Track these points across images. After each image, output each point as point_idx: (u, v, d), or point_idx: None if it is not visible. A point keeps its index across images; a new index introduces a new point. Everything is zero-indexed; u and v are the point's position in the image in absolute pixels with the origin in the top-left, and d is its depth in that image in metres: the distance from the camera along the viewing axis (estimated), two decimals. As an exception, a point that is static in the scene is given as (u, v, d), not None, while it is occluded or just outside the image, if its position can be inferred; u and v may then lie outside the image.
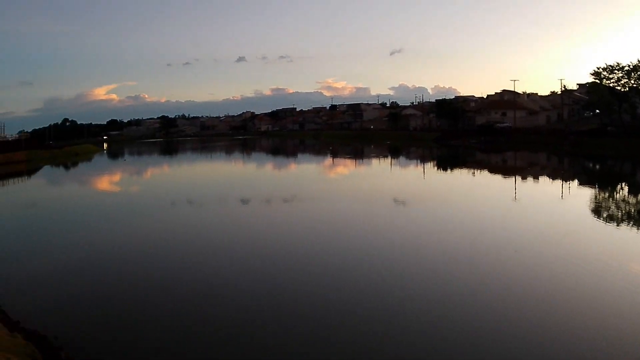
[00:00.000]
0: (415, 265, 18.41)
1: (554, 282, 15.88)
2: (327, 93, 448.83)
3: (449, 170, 59.08)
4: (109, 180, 59.65)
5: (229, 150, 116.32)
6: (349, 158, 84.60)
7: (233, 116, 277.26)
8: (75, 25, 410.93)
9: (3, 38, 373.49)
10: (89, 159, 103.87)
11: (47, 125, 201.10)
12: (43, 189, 53.63)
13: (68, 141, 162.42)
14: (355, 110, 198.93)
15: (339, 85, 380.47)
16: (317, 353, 11.67)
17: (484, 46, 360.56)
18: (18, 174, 73.19)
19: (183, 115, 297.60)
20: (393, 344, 11.82)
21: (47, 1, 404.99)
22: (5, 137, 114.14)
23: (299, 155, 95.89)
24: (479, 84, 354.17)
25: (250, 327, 13.13)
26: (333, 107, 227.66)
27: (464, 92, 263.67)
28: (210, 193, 41.45)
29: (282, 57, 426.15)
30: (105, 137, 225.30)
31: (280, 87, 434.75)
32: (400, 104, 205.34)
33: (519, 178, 45.59)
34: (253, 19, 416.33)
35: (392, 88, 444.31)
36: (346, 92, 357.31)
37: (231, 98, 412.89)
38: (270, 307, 14.34)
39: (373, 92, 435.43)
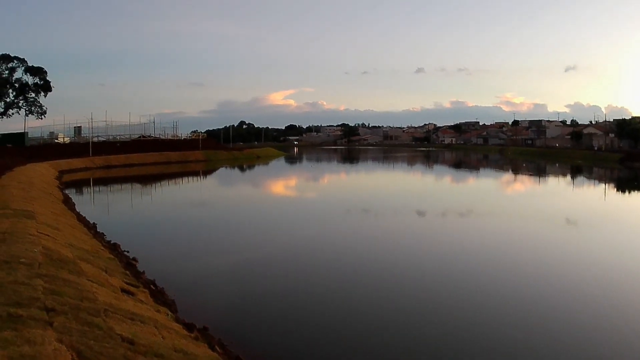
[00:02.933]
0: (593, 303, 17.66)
1: None
2: (505, 108, 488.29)
3: (634, 193, 59.27)
4: (295, 185, 68.32)
5: (410, 161, 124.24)
6: (531, 175, 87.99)
7: (415, 127, 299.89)
8: (252, 30, 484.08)
9: (177, 39, 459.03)
10: (267, 163, 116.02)
11: (223, 127, 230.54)
12: (227, 190, 62.99)
13: (246, 143, 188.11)
14: (538, 126, 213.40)
15: (517, 100, 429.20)
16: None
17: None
18: (194, 173, 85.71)
19: (363, 124, 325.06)
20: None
21: (225, 4, 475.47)
22: (178, 136, 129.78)
23: (481, 170, 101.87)
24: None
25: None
26: (515, 122, 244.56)
27: (638, 112, 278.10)
28: (387, 203, 44.80)
29: (460, 69, 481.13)
30: (296, 142, 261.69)
31: (460, 100, 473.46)
32: (579, 122, 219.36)
33: None
34: (431, 30, 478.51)
35: (568, 105, 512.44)
36: (524, 108, 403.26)
37: (411, 109, 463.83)
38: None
39: (550, 109, 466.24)
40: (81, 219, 32.15)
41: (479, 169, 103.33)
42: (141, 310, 12.91)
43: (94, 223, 31.91)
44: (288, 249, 26.66)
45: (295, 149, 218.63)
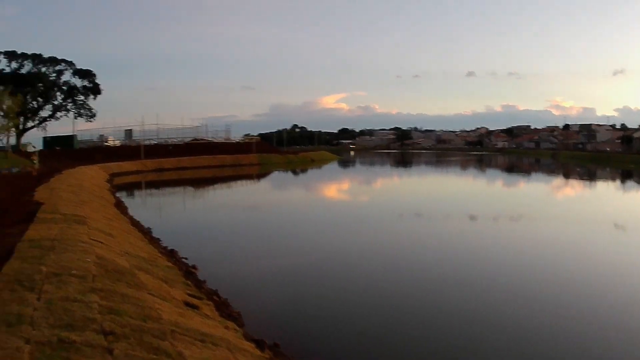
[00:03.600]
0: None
1: None
2: (555, 112, 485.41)
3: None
4: (350, 189, 69.44)
5: (463, 165, 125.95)
6: (583, 179, 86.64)
7: (468, 131, 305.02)
8: (302, 33, 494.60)
9: (228, 43, 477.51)
10: (321, 167, 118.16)
11: (275, 130, 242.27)
12: (282, 194, 63.91)
13: (299, 147, 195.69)
14: (588, 131, 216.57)
15: (567, 104, 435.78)
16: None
17: None
18: (248, 177, 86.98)
19: (415, 128, 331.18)
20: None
21: (276, 9, 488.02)
22: (230, 139, 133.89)
23: (533, 174, 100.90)
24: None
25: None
26: (566, 126, 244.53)
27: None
28: (440, 207, 45.26)
29: (510, 73, 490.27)
30: (352, 146, 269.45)
31: (511, 104, 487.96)
32: (628, 126, 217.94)
33: None
34: (482, 34, 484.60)
35: (617, 109, 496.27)
36: (574, 112, 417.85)
37: (462, 113, 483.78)
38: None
39: (598, 113, 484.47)
40: (135, 223, 31.11)
41: (531, 173, 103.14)
42: (210, 328, 11.60)
43: (148, 228, 30.93)
44: (346, 253, 26.34)
45: (352, 153, 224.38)
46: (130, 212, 37.36)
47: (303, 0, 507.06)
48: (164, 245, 25.89)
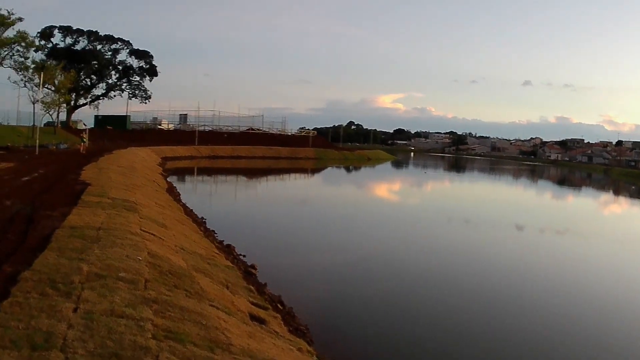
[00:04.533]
0: None
1: None
2: (608, 127, 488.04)
3: None
4: (406, 191, 69.96)
5: (515, 175, 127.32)
6: (634, 198, 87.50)
7: (523, 141, 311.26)
8: (362, 30, 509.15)
9: (290, 35, 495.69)
10: (374, 166, 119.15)
11: (331, 126, 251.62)
12: (337, 190, 63.78)
13: (354, 144, 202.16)
14: None
15: (620, 120, 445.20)
16: None
17: None
18: (302, 170, 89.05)
19: (470, 134, 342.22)
20: None
21: (336, 4, 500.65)
22: (286, 131, 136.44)
23: (583, 189, 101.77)
24: None
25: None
26: (619, 142, 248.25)
27: None
28: (488, 215, 46.38)
29: (566, 85, 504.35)
30: (412, 148, 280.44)
31: (565, 116, 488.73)
32: None
33: None
34: (539, 44, 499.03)
35: None
36: (626, 129, 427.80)
37: (517, 121, 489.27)
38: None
39: None
40: (188, 212, 29.31)
41: (582, 188, 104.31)
42: (283, 353, 9.84)
43: (202, 218, 29.17)
44: (404, 258, 26.39)
45: (412, 154, 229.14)
46: (183, 199, 35.91)
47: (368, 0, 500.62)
48: (219, 239, 24.32)
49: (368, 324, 16.31)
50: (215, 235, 25.09)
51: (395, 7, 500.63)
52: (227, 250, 21.77)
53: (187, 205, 32.58)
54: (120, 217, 15.84)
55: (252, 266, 19.72)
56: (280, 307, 15.44)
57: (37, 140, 52.45)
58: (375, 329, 15.95)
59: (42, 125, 79.29)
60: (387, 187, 72.81)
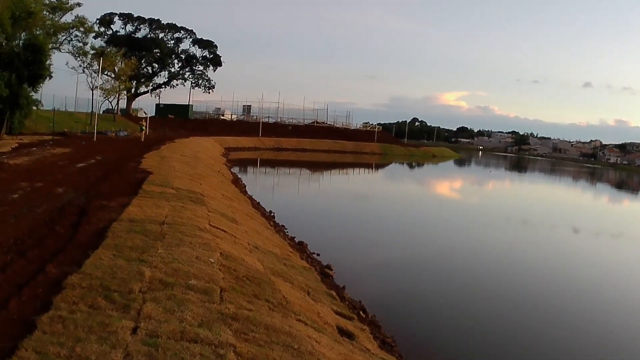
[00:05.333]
0: None
1: None
2: None
3: None
4: (469, 189, 69.13)
5: (575, 176, 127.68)
6: None
7: (584, 142, 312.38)
8: (427, 27, 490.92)
9: (352, 30, 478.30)
10: (437, 164, 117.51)
11: (395, 122, 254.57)
12: (404, 187, 62.38)
13: (418, 141, 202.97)
14: None
15: None
16: None
17: None
18: (367, 165, 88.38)
19: (531, 134, 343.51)
20: None
21: (407, 1, 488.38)
22: (350, 125, 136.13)
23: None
24: None
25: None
26: None
27: None
28: (547, 216, 45.57)
29: (625, 88, 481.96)
30: (481, 147, 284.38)
31: (624, 119, 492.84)
32: None
33: None
34: (600, 45, 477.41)
35: None
36: None
37: (577, 123, 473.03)
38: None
39: None
40: (256, 205, 27.82)
41: (637, 192, 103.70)
42: None
43: (270, 212, 27.59)
44: (483, 259, 25.80)
45: (480, 153, 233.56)
46: (249, 191, 34.54)
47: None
48: (290, 234, 22.84)
49: (456, 333, 15.43)
50: (286, 230, 23.58)
51: (460, 5, 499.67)
52: (300, 248, 20.22)
53: (253, 197, 31.20)
54: (186, 210, 14.31)
55: (328, 266, 18.29)
56: (363, 315, 14.21)
57: (96, 127, 52.03)
58: (465, 339, 15.10)
59: (101, 113, 79.69)
60: (455, 185, 72.93)
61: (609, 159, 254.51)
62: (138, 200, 14.58)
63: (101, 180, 19.50)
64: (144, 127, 56.73)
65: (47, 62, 45.39)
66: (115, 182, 19.35)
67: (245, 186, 36.48)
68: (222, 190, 24.68)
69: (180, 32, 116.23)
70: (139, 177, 20.98)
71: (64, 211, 13.13)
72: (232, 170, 45.52)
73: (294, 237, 22.16)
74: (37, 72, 42.16)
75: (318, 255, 19.99)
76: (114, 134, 60.40)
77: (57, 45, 60.62)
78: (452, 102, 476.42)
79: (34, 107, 46.89)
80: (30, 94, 44.51)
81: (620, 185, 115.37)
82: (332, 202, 41.31)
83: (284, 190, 46.19)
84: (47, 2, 55.79)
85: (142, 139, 52.27)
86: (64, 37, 62.28)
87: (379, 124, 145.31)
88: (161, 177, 20.89)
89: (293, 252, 17.46)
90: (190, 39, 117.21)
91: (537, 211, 49.10)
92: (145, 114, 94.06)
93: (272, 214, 27.13)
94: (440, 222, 36.43)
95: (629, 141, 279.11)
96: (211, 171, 33.21)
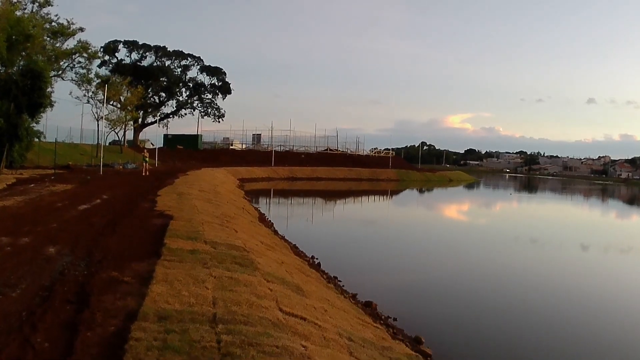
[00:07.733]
0: None
1: None
2: None
3: None
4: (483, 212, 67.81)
5: (586, 194, 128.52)
6: None
7: (593, 159, 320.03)
8: (430, 50, 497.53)
9: (359, 56, 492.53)
10: (446, 188, 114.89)
11: (403, 146, 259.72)
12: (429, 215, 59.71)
13: (428, 165, 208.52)
14: None
15: None
16: None
17: None
18: (384, 193, 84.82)
19: (539, 153, 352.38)
20: None
21: (404, 25, 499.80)
22: (360, 152, 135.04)
23: None
24: None
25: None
26: None
27: None
28: (556, 235, 45.16)
29: (629, 102, 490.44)
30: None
31: (629, 134, 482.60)
32: None
33: None
34: (602, 60, 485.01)
35: None
36: None
37: (582, 140, 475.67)
38: None
39: None
40: (296, 251, 22.80)
41: None
42: None
43: (312, 257, 22.70)
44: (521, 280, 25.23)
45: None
46: (279, 229, 29.84)
47: (435, 19, 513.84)
48: (347, 289, 18.00)
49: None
50: (340, 283, 18.73)
51: (461, 27, 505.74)
52: (372, 312, 15.35)
53: (287, 239, 26.11)
54: (239, 285, 9.24)
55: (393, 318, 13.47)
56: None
57: (102, 160, 47.48)
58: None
59: (107, 144, 76.25)
60: (480, 208, 72.62)
61: (620, 175, 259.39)
62: (164, 269, 9.70)
63: (109, 231, 14.54)
64: (147, 159, 51.23)
65: (48, 90, 41.39)
66: (127, 232, 14.42)
67: (272, 224, 31.68)
68: (259, 236, 19.58)
69: (187, 60, 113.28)
70: (157, 223, 16.14)
71: (51, 296, 8.14)
72: (253, 204, 40.85)
73: (356, 295, 17.33)
74: (37, 100, 38.17)
75: (395, 320, 15.62)
76: (121, 167, 56.35)
77: (60, 72, 56.29)
78: (458, 125, 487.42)
79: (36, 139, 42.98)
80: (31, 125, 40.51)
81: (632, 202, 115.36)
82: (376, 237, 37.10)
83: (315, 227, 40.40)
84: (48, 26, 51.81)
85: (145, 173, 47.15)
86: (66, 64, 57.72)
87: (386, 149, 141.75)
88: (186, 224, 15.95)
89: (386, 334, 12.44)
90: (198, 67, 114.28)
91: (547, 230, 49.04)
92: (153, 145, 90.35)
93: (316, 261, 22.10)
94: (473, 247, 35.21)
95: (638, 155, 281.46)
96: (236, 208, 28.10)
